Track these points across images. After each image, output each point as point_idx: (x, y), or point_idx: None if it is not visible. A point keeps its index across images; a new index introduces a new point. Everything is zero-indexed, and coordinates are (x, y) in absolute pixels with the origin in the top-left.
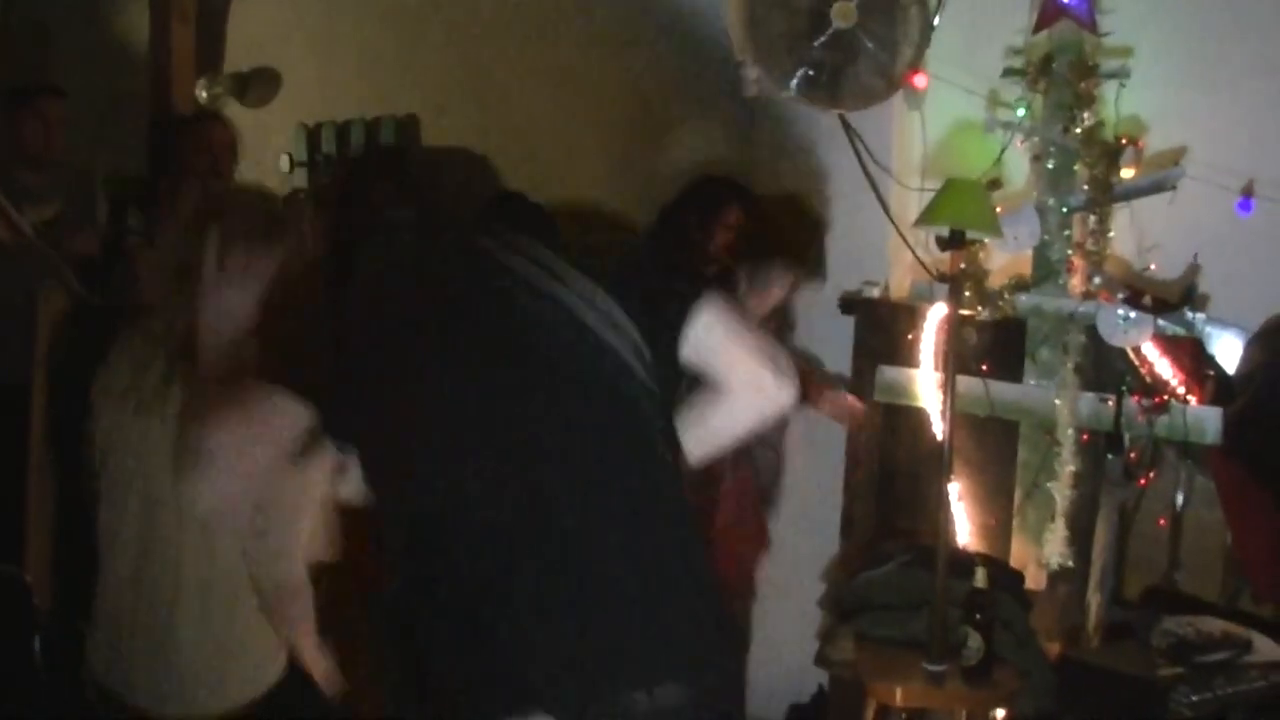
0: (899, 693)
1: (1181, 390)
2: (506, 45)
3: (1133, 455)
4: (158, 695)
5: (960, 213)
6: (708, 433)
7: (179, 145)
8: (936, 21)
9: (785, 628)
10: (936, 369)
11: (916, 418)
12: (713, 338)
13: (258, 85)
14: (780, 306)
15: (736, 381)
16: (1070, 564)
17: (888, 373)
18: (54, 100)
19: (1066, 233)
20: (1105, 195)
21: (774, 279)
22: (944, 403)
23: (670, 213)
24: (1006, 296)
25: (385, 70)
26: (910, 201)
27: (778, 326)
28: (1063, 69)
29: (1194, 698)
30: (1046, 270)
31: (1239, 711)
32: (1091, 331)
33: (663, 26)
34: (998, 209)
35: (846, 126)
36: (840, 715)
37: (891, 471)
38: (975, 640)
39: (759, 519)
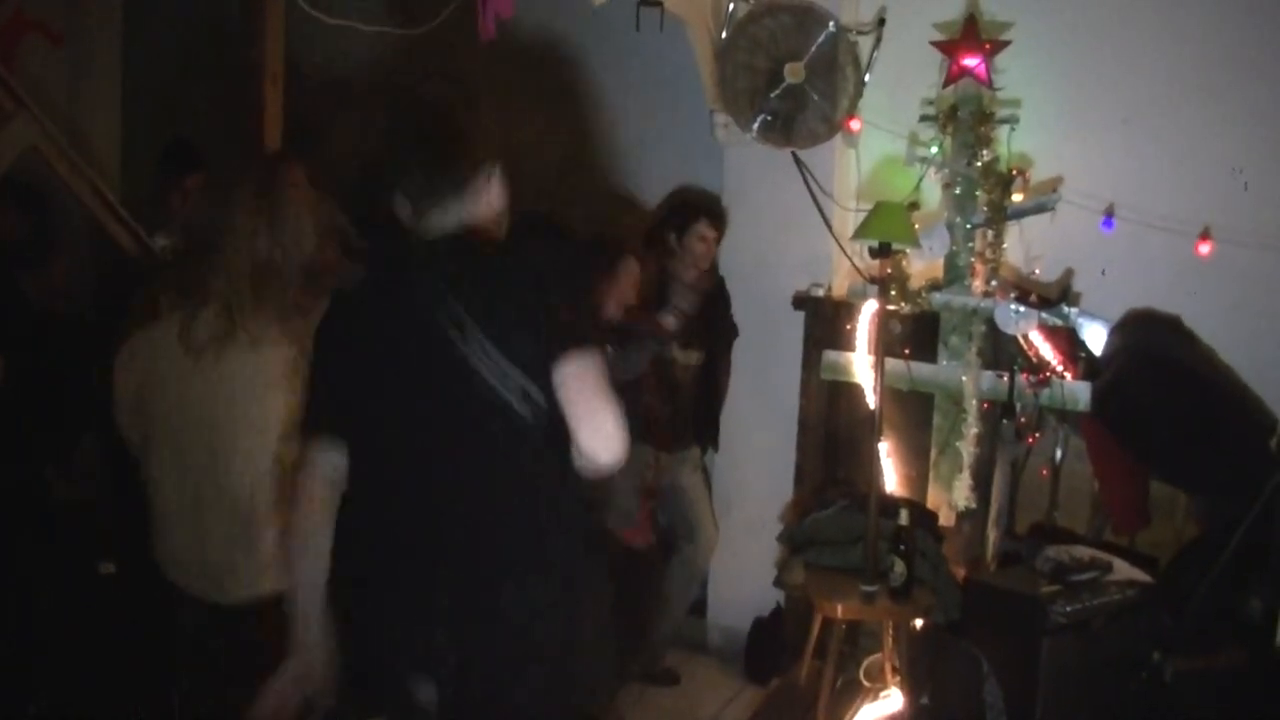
0: (840, 608)
1: (1060, 368)
2: (527, 105)
3: (1022, 420)
4: (199, 584)
5: (887, 229)
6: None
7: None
8: (867, 79)
9: (750, 558)
10: (869, 352)
11: (853, 391)
12: (569, 385)
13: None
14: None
15: (581, 429)
16: (974, 506)
17: (830, 355)
18: (198, 177)
19: (970, 244)
20: (1000, 215)
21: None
22: (875, 379)
23: (654, 227)
24: (923, 295)
25: None
26: (848, 220)
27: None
28: (966, 116)
29: (1068, 608)
30: (955, 274)
31: (1101, 617)
32: (990, 322)
33: (652, 85)
34: (916, 226)
35: (797, 161)
36: (794, 626)
37: (834, 434)
38: (900, 566)
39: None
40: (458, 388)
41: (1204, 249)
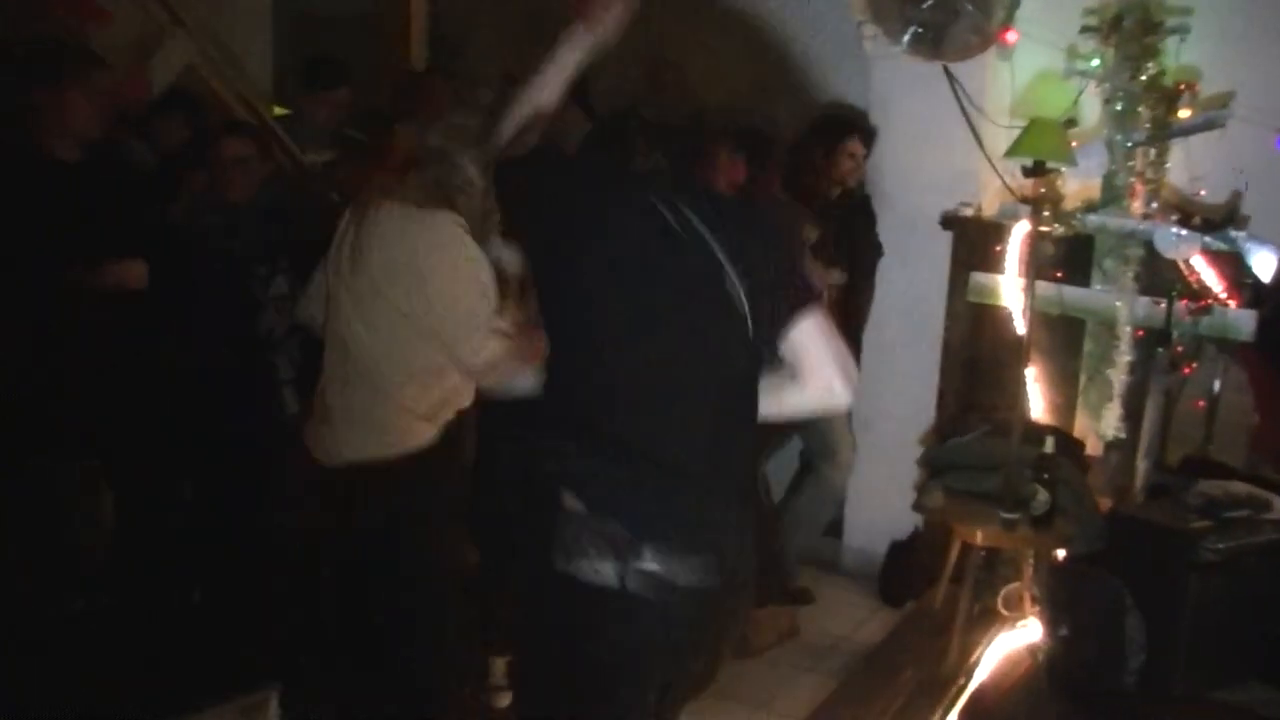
0: (980, 534)
1: (1223, 295)
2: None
3: (1178, 349)
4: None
5: (1042, 146)
6: (777, 405)
7: (407, 96)
8: None
9: (888, 481)
10: (1019, 275)
11: (1000, 315)
12: (806, 342)
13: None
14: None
15: (814, 383)
16: (1123, 436)
17: (978, 278)
18: (345, 92)
19: (1130, 164)
20: (1163, 132)
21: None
22: (1024, 303)
23: (800, 143)
24: (1078, 216)
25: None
26: (999, 137)
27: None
28: (1131, 26)
29: (1219, 545)
30: (1112, 194)
31: (1252, 556)
32: (1148, 246)
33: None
34: (1073, 144)
35: (948, 74)
36: (930, 550)
37: (978, 358)
38: (1043, 495)
39: None
40: (717, 318)
41: None
